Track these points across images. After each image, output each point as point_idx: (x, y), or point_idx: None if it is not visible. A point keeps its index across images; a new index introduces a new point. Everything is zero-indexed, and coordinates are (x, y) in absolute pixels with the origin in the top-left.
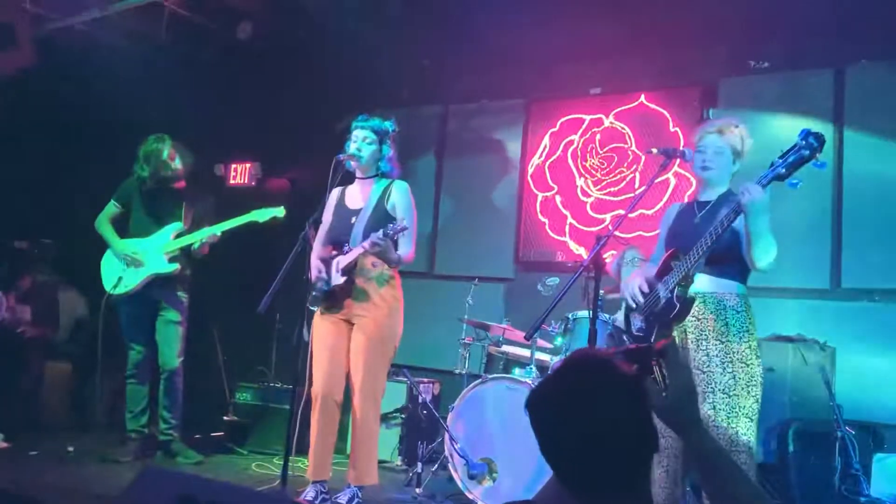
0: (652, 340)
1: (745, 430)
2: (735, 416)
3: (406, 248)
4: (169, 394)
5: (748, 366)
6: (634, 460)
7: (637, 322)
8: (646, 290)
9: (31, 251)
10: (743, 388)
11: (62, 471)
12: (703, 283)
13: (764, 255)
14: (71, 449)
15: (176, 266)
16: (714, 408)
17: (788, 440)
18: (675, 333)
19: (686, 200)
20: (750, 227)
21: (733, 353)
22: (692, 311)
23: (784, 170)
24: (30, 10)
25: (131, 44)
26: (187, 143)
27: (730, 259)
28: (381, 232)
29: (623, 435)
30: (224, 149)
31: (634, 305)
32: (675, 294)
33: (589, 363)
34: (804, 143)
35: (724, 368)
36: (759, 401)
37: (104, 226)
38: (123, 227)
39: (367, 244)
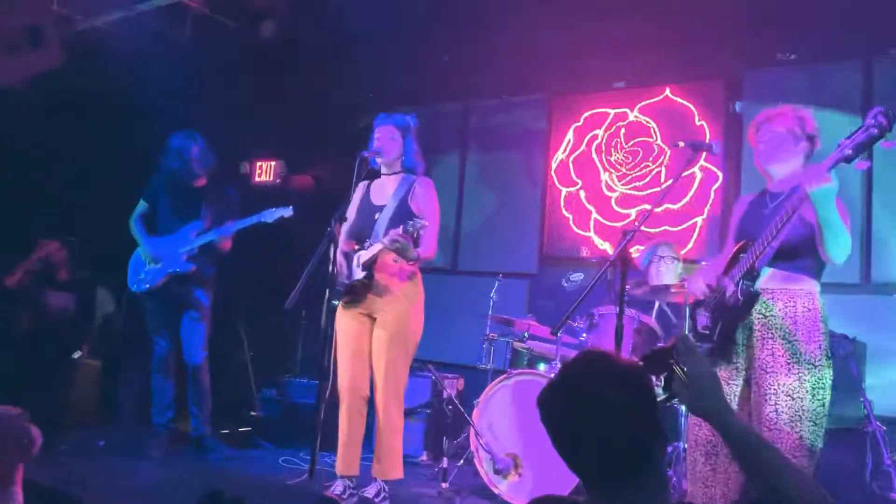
0: (715, 338)
1: (810, 435)
2: (799, 420)
3: (426, 245)
4: (194, 389)
5: (816, 367)
6: (641, 450)
7: (703, 319)
8: (713, 284)
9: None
10: (808, 392)
11: (92, 465)
12: (772, 278)
13: (836, 246)
14: (101, 443)
15: (191, 266)
16: (776, 411)
17: None
18: (739, 332)
19: (758, 192)
20: (819, 217)
21: (800, 353)
22: (758, 307)
23: (851, 151)
24: (57, 11)
25: (155, 43)
26: (212, 141)
27: (802, 253)
28: (400, 228)
29: (627, 424)
30: (249, 147)
31: (703, 299)
32: (739, 288)
33: (592, 358)
34: (873, 121)
35: (790, 370)
36: (827, 405)
37: (134, 225)
38: (152, 224)
39: (386, 240)
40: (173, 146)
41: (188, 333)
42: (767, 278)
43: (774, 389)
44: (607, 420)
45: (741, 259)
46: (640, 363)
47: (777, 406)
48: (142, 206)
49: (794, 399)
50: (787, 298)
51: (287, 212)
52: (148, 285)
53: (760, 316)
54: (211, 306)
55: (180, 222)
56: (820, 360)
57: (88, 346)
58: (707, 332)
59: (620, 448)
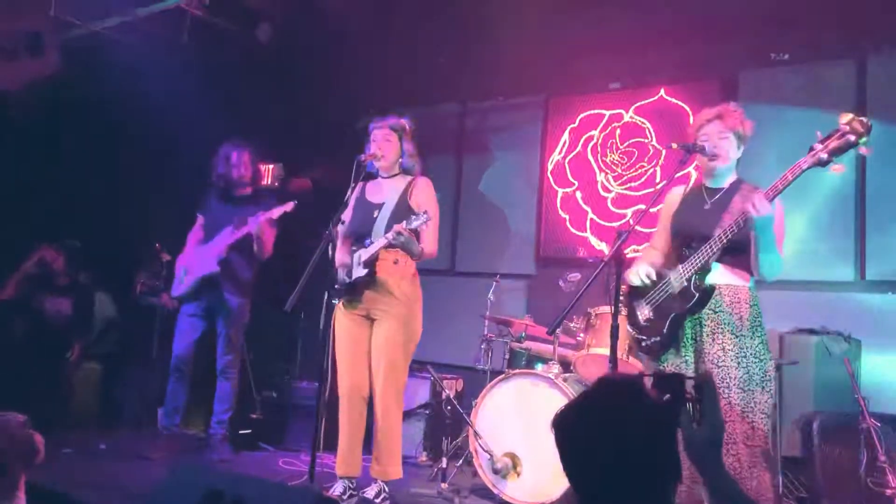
0: (664, 331)
1: (762, 425)
2: (751, 412)
3: (429, 242)
4: (221, 388)
5: (762, 361)
6: (656, 488)
7: (644, 311)
8: (654, 277)
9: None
10: (758, 384)
11: (95, 467)
12: (718, 274)
13: (769, 269)
14: (103, 446)
15: (218, 267)
16: (730, 403)
17: (813, 433)
18: (687, 326)
19: (687, 185)
20: (757, 241)
21: (747, 347)
22: (708, 303)
23: (826, 155)
24: (55, 16)
25: (154, 48)
26: (210, 145)
27: (744, 249)
28: (404, 223)
29: (646, 463)
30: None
31: (642, 291)
32: (692, 283)
33: (618, 389)
34: (848, 127)
35: (739, 363)
36: (773, 396)
37: (189, 236)
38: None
39: (390, 235)
40: (219, 155)
41: (220, 336)
42: (714, 274)
43: (727, 383)
44: (624, 455)
45: (688, 255)
46: (652, 377)
47: (730, 399)
48: (199, 219)
49: (745, 391)
50: (732, 294)
51: (288, 207)
52: (185, 289)
53: (710, 311)
54: (247, 311)
55: (218, 230)
56: (764, 354)
57: (80, 347)
58: (649, 324)
59: (633, 483)
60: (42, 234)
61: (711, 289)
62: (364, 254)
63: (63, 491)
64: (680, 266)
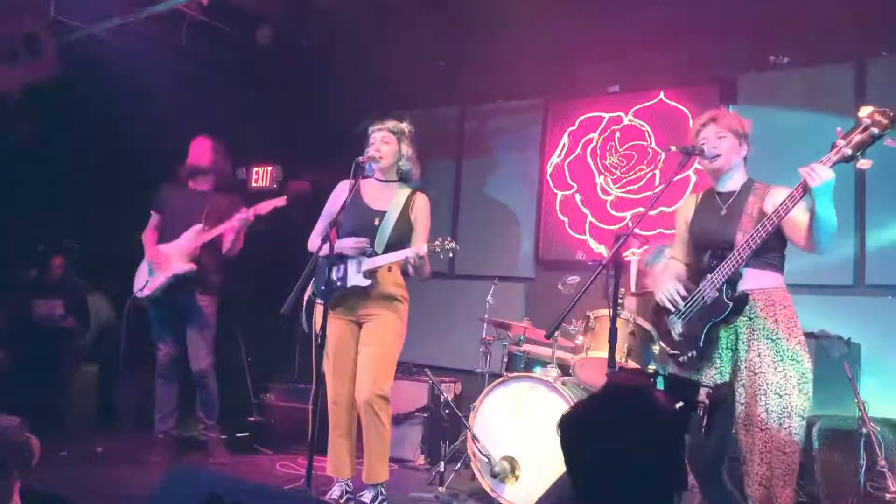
0: (700, 343)
1: (797, 429)
2: (787, 416)
3: (427, 264)
4: (201, 395)
5: (798, 363)
6: (658, 495)
7: (678, 327)
8: (684, 293)
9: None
10: (795, 387)
11: (92, 471)
12: (749, 279)
13: (827, 237)
14: (100, 450)
15: (191, 267)
16: (766, 410)
17: (813, 438)
18: (722, 335)
19: (699, 193)
20: (819, 211)
21: (783, 350)
22: (743, 310)
23: (850, 150)
24: (53, 19)
25: (152, 50)
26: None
27: (773, 250)
28: (425, 246)
29: (650, 468)
30: (245, 152)
31: (673, 309)
32: (724, 293)
33: (627, 392)
34: (871, 120)
35: (776, 368)
36: (811, 398)
37: (145, 236)
38: (163, 232)
39: (411, 256)
40: (191, 150)
41: (192, 340)
42: (744, 279)
43: (764, 389)
44: (628, 458)
45: (716, 264)
46: (666, 380)
47: (767, 405)
48: (153, 218)
49: (783, 396)
50: (765, 298)
51: (280, 202)
52: (151, 292)
53: (745, 318)
54: (215, 312)
55: (182, 227)
56: (800, 354)
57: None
58: (683, 339)
59: (635, 488)
60: (41, 236)
61: (745, 296)
62: (369, 263)
63: (59, 495)
64: (710, 276)
